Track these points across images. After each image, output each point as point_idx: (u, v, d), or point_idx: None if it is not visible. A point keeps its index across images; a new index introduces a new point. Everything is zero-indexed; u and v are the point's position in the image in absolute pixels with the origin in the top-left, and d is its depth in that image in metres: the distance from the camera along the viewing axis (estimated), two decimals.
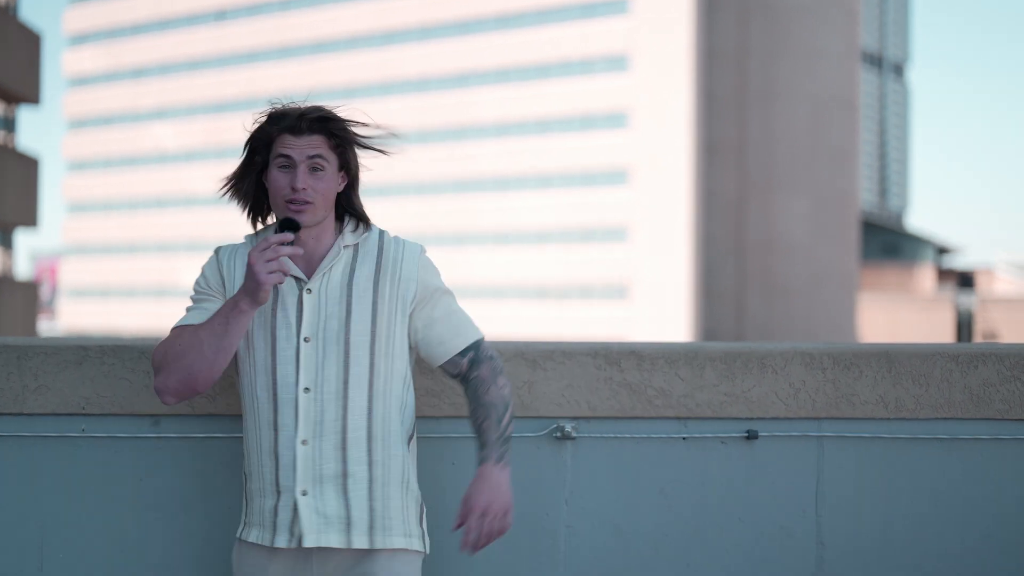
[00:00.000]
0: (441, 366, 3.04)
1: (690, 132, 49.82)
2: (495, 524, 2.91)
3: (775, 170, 49.96)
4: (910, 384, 3.53)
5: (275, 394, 2.92)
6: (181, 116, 66.25)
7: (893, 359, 3.53)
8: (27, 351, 3.40)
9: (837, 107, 50.91)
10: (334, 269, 2.97)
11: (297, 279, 2.95)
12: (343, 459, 2.93)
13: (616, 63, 52.50)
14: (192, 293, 3.03)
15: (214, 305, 2.97)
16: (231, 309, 2.84)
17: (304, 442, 2.91)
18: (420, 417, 3.32)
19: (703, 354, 3.50)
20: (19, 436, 3.41)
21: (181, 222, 65.31)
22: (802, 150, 50.14)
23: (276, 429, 2.93)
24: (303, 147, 2.90)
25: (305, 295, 2.94)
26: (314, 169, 2.91)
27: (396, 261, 3.00)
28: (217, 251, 3.06)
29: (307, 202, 2.90)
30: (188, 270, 64.39)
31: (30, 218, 26.92)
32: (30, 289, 27.84)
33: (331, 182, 2.94)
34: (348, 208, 3.03)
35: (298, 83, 62.25)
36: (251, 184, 3.00)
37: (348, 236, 3.00)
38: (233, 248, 3.06)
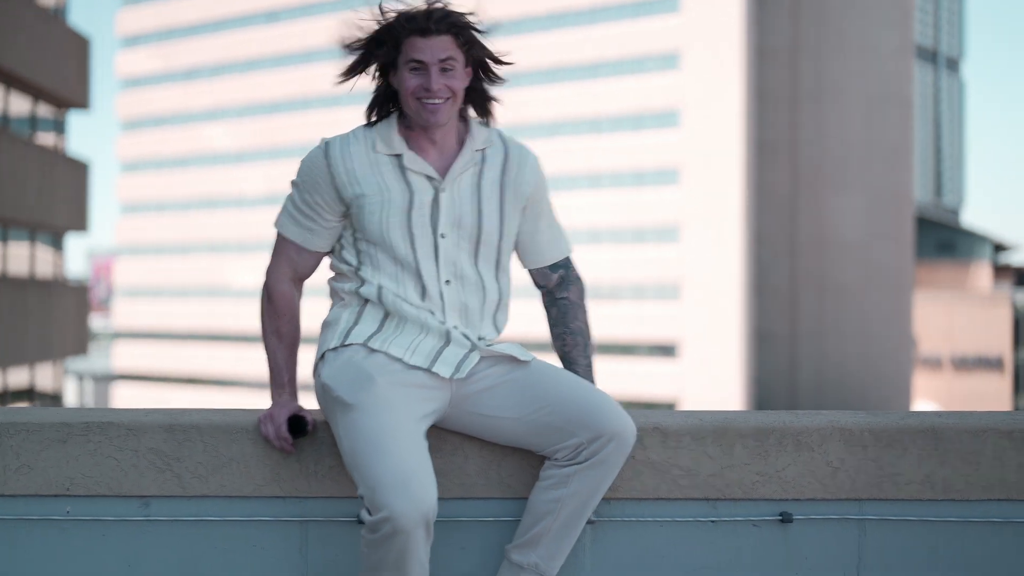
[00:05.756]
0: (533, 270, 3.34)
1: (742, 130, 49.33)
2: None
3: (828, 168, 49.41)
4: (959, 463, 3.25)
5: (423, 286, 3.12)
6: (233, 116, 66.50)
7: (940, 435, 3.25)
8: (7, 428, 3.19)
9: (890, 103, 50.25)
10: (467, 170, 3.16)
11: (430, 178, 3.13)
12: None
13: (667, 61, 52.06)
14: (295, 191, 3.17)
15: (316, 224, 3.15)
16: (272, 392, 3.21)
17: (455, 327, 3.14)
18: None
19: (733, 430, 3.24)
20: (0, 519, 3.21)
21: (233, 222, 65.55)
22: (855, 147, 49.54)
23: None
24: (434, 49, 3.07)
25: (441, 195, 3.13)
26: (444, 70, 3.08)
27: (520, 165, 3.22)
28: (327, 145, 3.17)
29: (440, 101, 3.07)
30: (239, 270, 64.63)
31: (80, 223, 26.92)
32: (81, 292, 27.86)
33: (461, 79, 3.11)
34: (476, 98, 3.19)
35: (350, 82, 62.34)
36: (381, 82, 3.22)
37: (478, 140, 3.19)
38: (344, 139, 3.18)
